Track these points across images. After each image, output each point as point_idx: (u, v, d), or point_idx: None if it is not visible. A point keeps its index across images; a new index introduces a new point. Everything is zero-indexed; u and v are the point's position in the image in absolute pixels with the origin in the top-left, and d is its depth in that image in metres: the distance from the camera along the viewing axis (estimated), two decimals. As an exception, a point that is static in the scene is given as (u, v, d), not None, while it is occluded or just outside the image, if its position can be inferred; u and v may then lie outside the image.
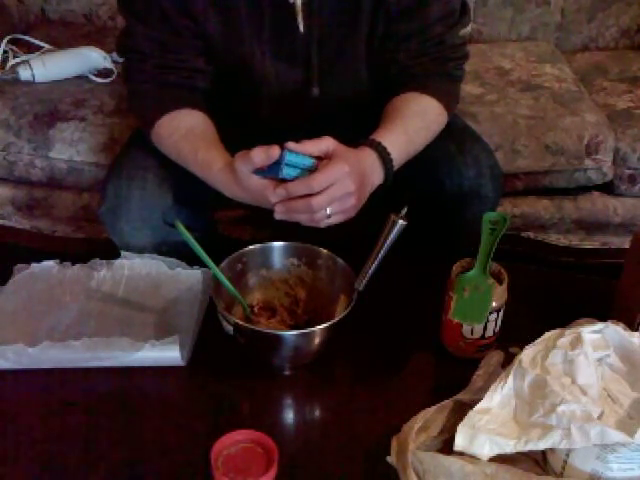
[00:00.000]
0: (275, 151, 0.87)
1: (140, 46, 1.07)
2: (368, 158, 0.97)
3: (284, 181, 0.90)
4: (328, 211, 0.91)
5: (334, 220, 0.93)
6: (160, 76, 1.08)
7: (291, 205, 0.91)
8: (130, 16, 1.07)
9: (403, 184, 1.04)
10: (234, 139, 1.02)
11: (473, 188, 1.10)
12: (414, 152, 1.05)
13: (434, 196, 1.10)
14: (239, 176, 0.93)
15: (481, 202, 1.10)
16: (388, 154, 0.98)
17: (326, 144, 0.92)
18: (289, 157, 0.88)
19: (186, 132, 1.05)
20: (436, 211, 1.10)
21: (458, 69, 1.14)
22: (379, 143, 0.98)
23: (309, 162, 0.91)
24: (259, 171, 0.91)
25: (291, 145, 0.88)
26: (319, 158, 0.92)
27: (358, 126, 1.03)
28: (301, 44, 1.07)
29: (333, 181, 0.89)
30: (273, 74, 1.10)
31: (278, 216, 0.92)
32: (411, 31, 1.08)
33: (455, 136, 1.13)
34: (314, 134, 0.93)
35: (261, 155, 0.88)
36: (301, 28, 1.05)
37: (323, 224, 0.93)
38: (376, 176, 0.98)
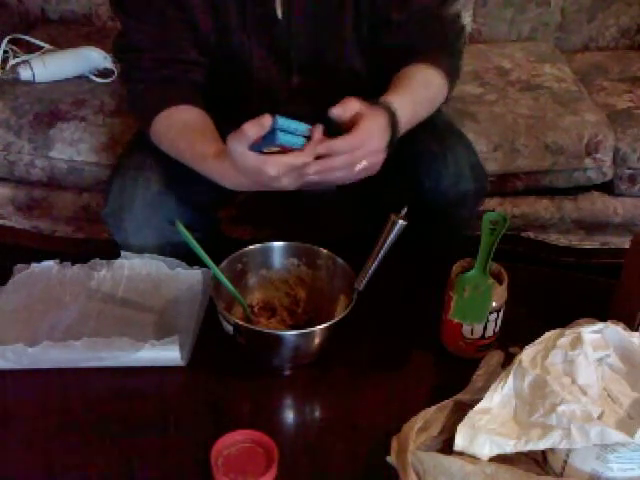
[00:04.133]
0: (267, 119, 0.85)
1: (135, 43, 1.08)
2: (382, 119, 0.94)
3: (281, 153, 0.88)
4: (362, 164, 0.90)
5: (361, 175, 0.92)
6: (156, 71, 1.08)
7: (330, 163, 0.89)
8: (123, 14, 1.08)
9: (386, 184, 1.03)
10: (229, 133, 1.02)
11: (452, 187, 1.08)
12: (416, 122, 1.03)
13: (415, 196, 1.09)
14: (234, 157, 0.90)
15: (461, 201, 1.09)
16: (397, 120, 0.96)
17: (352, 107, 0.90)
18: (281, 122, 0.86)
19: (182, 127, 1.04)
20: (419, 211, 1.10)
21: (457, 42, 1.13)
22: (395, 111, 0.96)
23: (302, 127, 0.88)
24: (254, 147, 0.88)
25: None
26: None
27: None
28: (280, 32, 1.07)
29: (369, 136, 0.89)
30: (258, 63, 1.10)
31: (310, 177, 0.90)
32: (403, 18, 1.08)
33: (437, 134, 1.12)
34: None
35: (254, 127, 0.86)
36: (279, 15, 1.05)
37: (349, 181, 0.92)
38: (382, 140, 0.95)
